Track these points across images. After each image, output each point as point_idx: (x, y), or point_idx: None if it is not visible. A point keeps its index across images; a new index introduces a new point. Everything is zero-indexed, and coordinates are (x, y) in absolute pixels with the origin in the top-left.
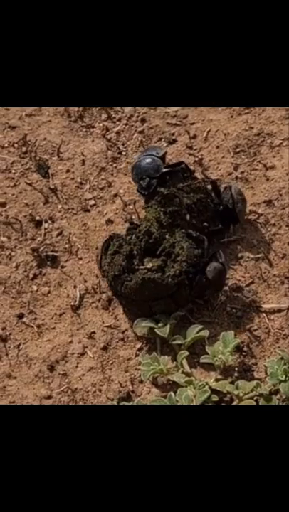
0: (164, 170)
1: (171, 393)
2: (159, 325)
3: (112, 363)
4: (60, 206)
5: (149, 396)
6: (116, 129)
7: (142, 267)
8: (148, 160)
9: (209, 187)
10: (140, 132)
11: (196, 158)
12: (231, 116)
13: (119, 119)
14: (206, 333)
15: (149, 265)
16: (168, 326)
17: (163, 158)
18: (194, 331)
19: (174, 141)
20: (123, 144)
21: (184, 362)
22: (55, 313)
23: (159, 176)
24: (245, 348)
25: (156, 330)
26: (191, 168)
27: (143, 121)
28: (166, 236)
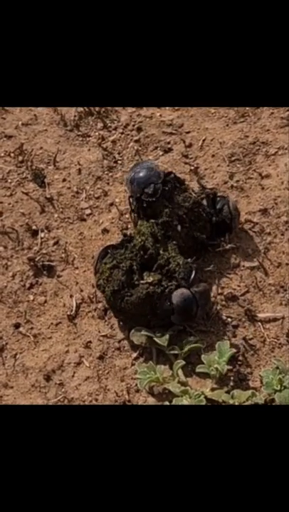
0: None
1: (166, 403)
2: (158, 334)
3: (108, 373)
4: (56, 215)
5: None
6: (112, 138)
7: (142, 281)
8: (145, 170)
9: (204, 200)
10: (136, 141)
11: (192, 167)
12: (227, 125)
13: (115, 128)
14: (202, 343)
15: (150, 279)
16: (167, 336)
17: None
18: (191, 342)
19: (170, 149)
20: (119, 153)
21: (180, 371)
22: (52, 323)
23: (162, 181)
24: (240, 358)
25: (155, 339)
26: (187, 177)
27: (139, 130)
28: (161, 251)
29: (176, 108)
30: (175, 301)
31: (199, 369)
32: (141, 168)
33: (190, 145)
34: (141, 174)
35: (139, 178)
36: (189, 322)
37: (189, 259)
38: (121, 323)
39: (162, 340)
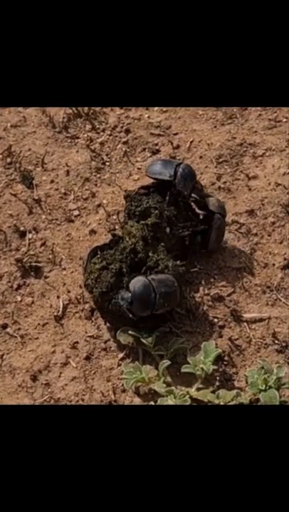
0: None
1: (152, 403)
2: (144, 335)
3: (94, 373)
4: (44, 217)
5: None
6: (100, 140)
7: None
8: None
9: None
10: (124, 143)
11: None
12: (214, 127)
13: (103, 130)
14: (188, 344)
15: None
16: (153, 336)
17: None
18: (177, 342)
19: (158, 151)
20: (107, 155)
21: (165, 371)
22: (39, 324)
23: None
24: (226, 358)
25: (141, 339)
26: None
27: (127, 131)
28: (150, 253)
29: (164, 110)
30: (132, 288)
31: (185, 369)
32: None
33: (178, 146)
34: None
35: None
36: (149, 311)
37: (178, 262)
38: (107, 323)
39: (149, 341)
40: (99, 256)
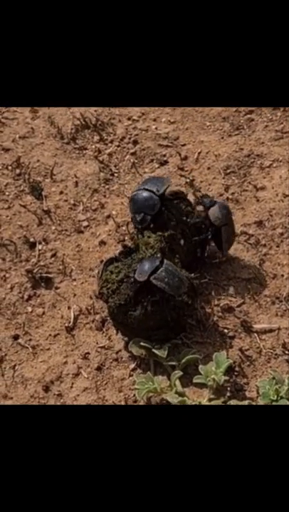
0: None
1: None
2: (156, 346)
3: (106, 383)
4: (53, 228)
5: None
6: (108, 151)
7: (149, 298)
8: (146, 195)
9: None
10: (132, 154)
11: (188, 180)
12: (222, 138)
13: (111, 141)
14: (199, 354)
15: (156, 297)
16: (166, 347)
17: (163, 194)
18: (189, 353)
19: (166, 162)
20: (115, 166)
21: (177, 382)
22: (50, 334)
23: (155, 214)
24: (237, 368)
25: (154, 350)
26: (183, 189)
27: (135, 143)
28: None
29: (172, 121)
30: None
31: (196, 380)
32: (143, 190)
33: (185, 158)
34: (139, 198)
35: (135, 201)
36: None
37: (192, 274)
38: (119, 334)
39: (161, 352)
40: (116, 265)
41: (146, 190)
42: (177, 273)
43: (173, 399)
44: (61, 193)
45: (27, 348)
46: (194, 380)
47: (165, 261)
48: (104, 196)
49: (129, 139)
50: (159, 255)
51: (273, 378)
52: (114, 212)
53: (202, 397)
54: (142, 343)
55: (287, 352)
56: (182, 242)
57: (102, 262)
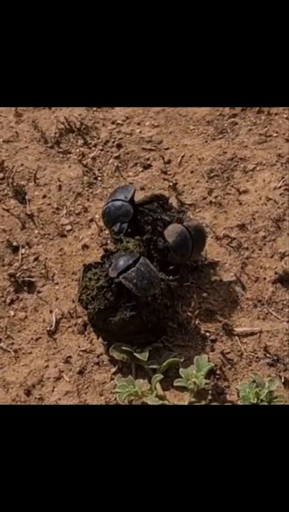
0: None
1: None
2: (137, 350)
3: (87, 387)
4: (36, 231)
5: None
6: (92, 155)
7: (128, 304)
8: (117, 204)
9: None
10: (116, 158)
11: (171, 183)
12: (205, 141)
13: (95, 145)
14: (180, 358)
15: (136, 301)
16: (146, 351)
17: (132, 199)
18: (170, 356)
19: (149, 166)
20: (99, 170)
21: (158, 385)
22: (32, 338)
23: (130, 220)
24: (218, 371)
25: (135, 354)
26: (166, 193)
27: (119, 146)
28: None
29: (156, 124)
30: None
31: (177, 383)
32: (113, 201)
33: (169, 161)
34: (111, 210)
35: (108, 214)
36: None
37: (171, 277)
38: (100, 338)
39: (142, 356)
40: (95, 272)
41: (116, 200)
42: (149, 275)
43: (153, 402)
44: (44, 196)
45: (9, 351)
46: (175, 384)
47: (141, 260)
48: (88, 200)
49: (113, 142)
50: (137, 254)
51: (254, 381)
52: (97, 216)
53: (183, 401)
54: (123, 347)
55: (268, 355)
56: (161, 244)
57: (83, 267)
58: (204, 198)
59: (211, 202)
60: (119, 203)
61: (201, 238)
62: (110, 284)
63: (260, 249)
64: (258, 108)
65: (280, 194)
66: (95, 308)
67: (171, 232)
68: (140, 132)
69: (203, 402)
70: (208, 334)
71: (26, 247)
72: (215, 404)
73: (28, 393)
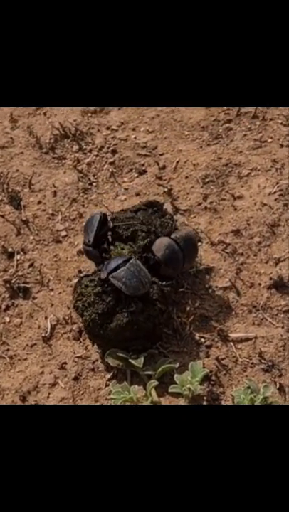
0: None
1: None
2: (132, 356)
3: (82, 393)
4: (32, 237)
5: None
6: (87, 161)
7: (124, 310)
8: (85, 249)
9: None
10: (111, 163)
11: (166, 189)
12: (200, 147)
13: (90, 151)
14: (175, 364)
15: (133, 307)
16: (142, 358)
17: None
18: (165, 362)
19: (144, 171)
20: (94, 175)
21: (153, 391)
22: (27, 344)
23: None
24: (213, 377)
25: (130, 360)
26: (160, 199)
27: (114, 152)
28: None
29: (151, 130)
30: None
31: (172, 389)
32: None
33: (164, 167)
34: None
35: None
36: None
37: (164, 282)
38: (95, 344)
39: (138, 362)
40: (92, 279)
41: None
42: (139, 274)
43: None
44: (40, 202)
45: (4, 358)
46: (170, 390)
47: (131, 261)
48: (83, 206)
49: (108, 148)
50: (128, 255)
51: (248, 387)
52: None
53: None
54: (118, 354)
55: (263, 361)
56: (151, 260)
57: (79, 272)
58: (199, 204)
59: (205, 207)
60: (85, 247)
61: (192, 247)
62: (105, 288)
63: (255, 255)
64: (252, 113)
65: (275, 199)
66: (91, 315)
67: (159, 247)
68: (135, 138)
69: None
70: (203, 340)
71: (21, 253)
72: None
73: (23, 399)
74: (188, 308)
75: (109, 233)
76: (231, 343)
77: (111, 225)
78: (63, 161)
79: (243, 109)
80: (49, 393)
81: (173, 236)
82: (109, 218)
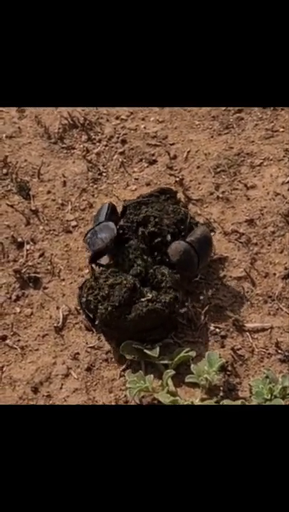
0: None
1: None
2: (147, 346)
3: (96, 384)
4: (41, 227)
5: None
6: (96, 150)
7: (142, 299)
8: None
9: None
10: (121, 153)
11: (177, 179)
12: (211, 137)
13: (99, 140)
14: (193, 353)
15: (149, 296)
16: (157, 348)
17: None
18: (182, 351)
19: (155, 161)
20: (104, 165)
21: (170, 381)
22: (39, 335)
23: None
24: (229, 368)
25: (145, 351)
26: (173, 188)
27: (123, 142)
28: (147, 263)
29: (161, 120)
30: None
31: (189, 379)
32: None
33: (175, 157)
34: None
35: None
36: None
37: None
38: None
39: (153, 352)
40: (103, 270)
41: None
42: (101, 232)
43: (165, 398)
44: (49, 192)
45: (15, 348)
46: (186, 380)
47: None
48: (93, 196)
49: (118, 138)
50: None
51: (267, 377)
52: None
53: (194, 397)
54: (133, 345)
55: (280, 351)
56: (169, 237)
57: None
58: (211, 194)
59: (218, 197)
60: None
61: (207, 248)
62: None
63: (269, 245)
64: None
65: (288, 189)
66: (107, 307)
67: (175, 251)
68: (145, 128)
69: (214, 399)
70: (218, 330)
71: (31, 243)
72: (224, 402)
73: (35, 391)
74: (202, 298)
75: (122, 220)
76: (247, 333)
77: (120, 216)
78: (72, 151)
79: None
80: (62, 384)
81: (188, 239)
82: (120, 207)
